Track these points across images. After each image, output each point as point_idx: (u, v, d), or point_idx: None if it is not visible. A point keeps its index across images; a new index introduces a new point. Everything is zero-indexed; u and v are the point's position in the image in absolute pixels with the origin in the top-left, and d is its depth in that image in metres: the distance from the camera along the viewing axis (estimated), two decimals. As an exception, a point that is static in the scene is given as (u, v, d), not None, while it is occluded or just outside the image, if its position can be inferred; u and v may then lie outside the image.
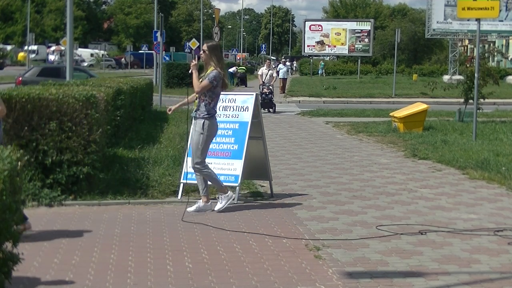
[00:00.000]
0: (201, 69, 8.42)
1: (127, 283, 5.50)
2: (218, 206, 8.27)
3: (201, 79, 8.27)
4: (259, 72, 27.58)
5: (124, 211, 8.24)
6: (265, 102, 24.64)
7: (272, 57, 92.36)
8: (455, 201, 9.01)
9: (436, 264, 6.11)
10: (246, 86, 45.72)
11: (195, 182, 9.13)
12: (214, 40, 9.89)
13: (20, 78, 26.35)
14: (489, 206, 8.67)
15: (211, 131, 8.26)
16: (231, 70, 49.38)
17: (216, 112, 8.37)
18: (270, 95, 25.31)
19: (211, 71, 8.23)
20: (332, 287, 5.47)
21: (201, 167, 8.24)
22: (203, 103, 8.24)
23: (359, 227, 7.48)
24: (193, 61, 8.46)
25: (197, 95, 8.29)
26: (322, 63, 65.67)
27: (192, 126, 8.54)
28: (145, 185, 9.32)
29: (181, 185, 9.04)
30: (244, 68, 51.70)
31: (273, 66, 38.50)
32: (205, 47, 8.41)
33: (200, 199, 8.40)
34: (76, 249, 6.47)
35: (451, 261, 6.19)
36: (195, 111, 8.31)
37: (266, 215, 8.05)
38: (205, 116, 8.21)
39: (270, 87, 25.66)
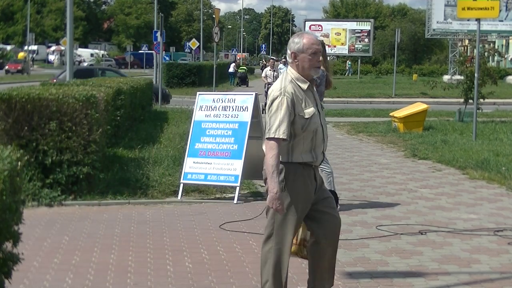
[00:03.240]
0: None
1: (127, 283, 5.50)
2: None
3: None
4: (263, 74, 26.04)
5: (124, 211, 8.24)
6: None
7: (272, 57, 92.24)
8: (455, 201, 9.01)
9: (436, 264, 6.11)
10: (247, 86, 45.69)
11: (195, 182, 9.16)
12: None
13: (55, 80, 26.54)
14: (489, 206, 8.66)
15: None
16: (230, 70, 49.34)
17: None
18: None
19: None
20: (332, 287, 5.46)
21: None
22: None
23: (359, 227, 7.48)
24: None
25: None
26: (349, 63, 65.25)
27: None
28: (145, 185, 9.32)
29: (181, 185, 9.04)
30: (244, 68, 51.60)
31: (285, 61, 37.56)
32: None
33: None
34: (76, 249, 6.47)
35: (451, 261, 6.19)
36: None
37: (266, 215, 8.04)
38: None
39: None
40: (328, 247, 4.73)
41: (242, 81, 47.31)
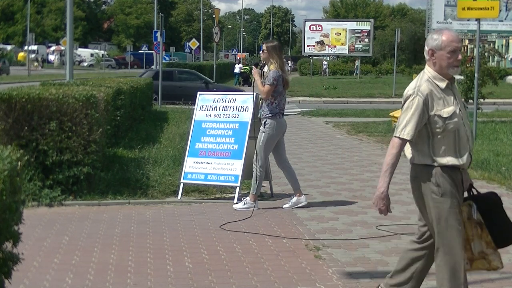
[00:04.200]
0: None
1: (127, 283, 5.50)
2: (238, 205, 8.42)
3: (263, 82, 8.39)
4: (265, 70, 26.17)
5: (124, 211, 8.23)
6: None
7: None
8: (455, 201, 8.99)
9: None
10: (250, 86, 45.67)
11: (195, 182, 9.16)
12: (274, 40, 9.94)
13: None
14: (489, 206, 8.65)
15: (274, 130, 8.35)
16: (236, 70, 49.59)
17: (280, 111, 8.44)
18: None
19: (270, 71, 8.39)
20: (332, 287, 5.47)
21: (259, 166, 8.34)
22: (265, 103, 8.37)
23: (359, 227, 7.48)
24: (254, 68, 8.73)
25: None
26: (358, 62, 65.10)
27: (261, 127, 8.56)
28: (145, 185, 9.32)
29: (181, 185, 9.04)
30: (248, 68, 51.81)
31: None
32: (264, 46, 8.54)
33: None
34: (76, 249, 6.47)
35: (451, 261, 6.18)
36: (260, 112, 8.48)
37: (266, 215, 8.06)
38: (268, 115, 8.31)
39: None
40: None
41: (245, 80, 47.54)
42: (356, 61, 64.21)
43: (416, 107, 4.36)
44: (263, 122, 8.38)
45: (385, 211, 4.42)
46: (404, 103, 4.43)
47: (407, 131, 4.36)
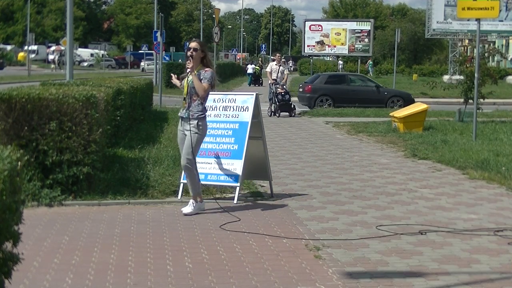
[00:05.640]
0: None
1: (127, 283, 5.50)
2: (188, 209, 8.03)
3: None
4: (268, 69, 24.38)
5: (124, 211, 8.23)
6: (282, 105, 22.74)
7: (272, 57, 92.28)
8: (455, 201, 9.01)
9: (436, 264, 6.11)
10: (260, 86, 46.43)
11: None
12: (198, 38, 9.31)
13: (310, 86, 27.00)
14: (489, 206, 8.67)
15: (204, 130, 8.16)
16: (250, 71, 50.03)
17: (206, 111, 8.24)
18: (287, 95, 23.02)
19: (207, 71, 8.08)
20: (332, 287, 5.47)
21: (191, 167, 8.09)
22: (195, 103, 8.04)
23: (359, 227, 7.48)
24: (187, 65, 8.09)
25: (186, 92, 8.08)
26: (371, 62, 64.83)
27: (180, 126, 8.22)
28: (145, 185, 9.32)
29: (181, 185, 9.03)
30: (257, 68, 52.30)
31: (284, 61, 36.46)
32: (196, 45, 8.09)
33: (191, 199, 8.20)
34: (76, 249, 6.47)
35: (451, 261, 6.19)
36: (186, 111, 8.08)
37: (266, 215, 8.05)
38: (200, 116, 8.06)
39: (285, 86, 23.19)
40: None
41: (256, 80, 48.13)
42: (369, 61, 63.91)
43: None
44: (193, 123, 7.99)
45: None
46: None
47: None
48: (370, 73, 62.05)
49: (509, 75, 51.69)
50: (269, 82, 23.63)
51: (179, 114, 8.30)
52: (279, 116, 22.75)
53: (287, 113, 22.96)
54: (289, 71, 22.77)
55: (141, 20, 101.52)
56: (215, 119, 9.20)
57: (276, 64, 23.56)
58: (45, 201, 8.32)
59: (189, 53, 8.09)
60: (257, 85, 47.68)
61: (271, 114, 23.14)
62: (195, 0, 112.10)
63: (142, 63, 76.35)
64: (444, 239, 7.00)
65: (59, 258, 6.16)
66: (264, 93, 26.64)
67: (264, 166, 9.30)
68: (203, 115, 8.11)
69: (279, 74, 23.35)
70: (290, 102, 23.16)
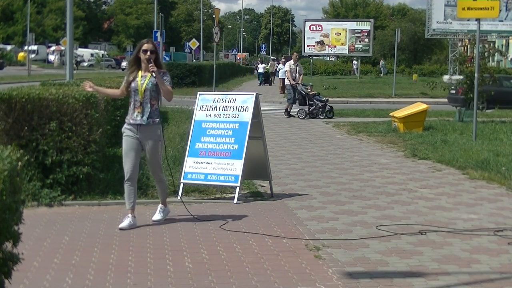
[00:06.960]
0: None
1: (127, 283, 5.50)
2: (158, 216, 7.74)
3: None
4: (287, 68, 23.24)
5: (124, 211, 8.21)
6: (320, 109, 21.98)
7: (272, 57, 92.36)
8: (455, 201, 9.01)
9: (436, 264, 6.11)
10: (270, 85, 47.22)
11: (195, 182, 9.15)
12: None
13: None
14: (489, 206, 8.67)
15: (162, 136, 7.69)
16: (260, 70, 50.52)
17: None
18: (323, 97, 22.41)
19: (165, 72, 7.58)
20: (332, 287, 5.47)
21: (165, 178, 7.87)
22: (153, 107, 7.43)
23: (359, 227, 7.48)
24: (152, 69, 7.37)
25: (123, 95, 7.69)
26: (383, 62, 64.67)
27: (136, 134, 7.46)
28: (145, 185, 9.32)
29: (181, 185, 9.05)
30: (267, 68, 52.91)
31: (284, 61, 36.11)
32: (153, 47, 7.50)
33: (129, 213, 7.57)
34: (76, 249, 6.47)
35: (451, 261, 6.19)
36: (144, 117, 7.38)
37: (266, 215, 8.05)
38: (160, 121, 7.54)
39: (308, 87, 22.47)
40: None
41: (266, 80, 48.73)
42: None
43: None
44: (154, 129, 7.44)
45: None
46: None
47: None
48: (383, 73, 62.12)
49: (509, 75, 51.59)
50: (289, 82, 22.58)
51: (130, 121, 7.43)
52: (323, 118, 21.86)
53: (326, 116, 22.08)
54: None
55: (141, 20, 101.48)
56: (215, 119, 9.20)
57: (293, 64, 22.69)
58: (45, 201, 8.33)
59: (147, 56, 7.40)
60: (267, 84, 48.28)
61: (289, 115, 22.46)
62: (195, 0, 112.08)
63: None
64: (444, 239, 7.00)
65: (59, 258, 6.16)
66: (271, 93, 26.55)
67: (264, 166, 9.30)
68: (161, 121, 7.60)
69: (297, 74, 22.53)
70: (327, 104, 22.37)
